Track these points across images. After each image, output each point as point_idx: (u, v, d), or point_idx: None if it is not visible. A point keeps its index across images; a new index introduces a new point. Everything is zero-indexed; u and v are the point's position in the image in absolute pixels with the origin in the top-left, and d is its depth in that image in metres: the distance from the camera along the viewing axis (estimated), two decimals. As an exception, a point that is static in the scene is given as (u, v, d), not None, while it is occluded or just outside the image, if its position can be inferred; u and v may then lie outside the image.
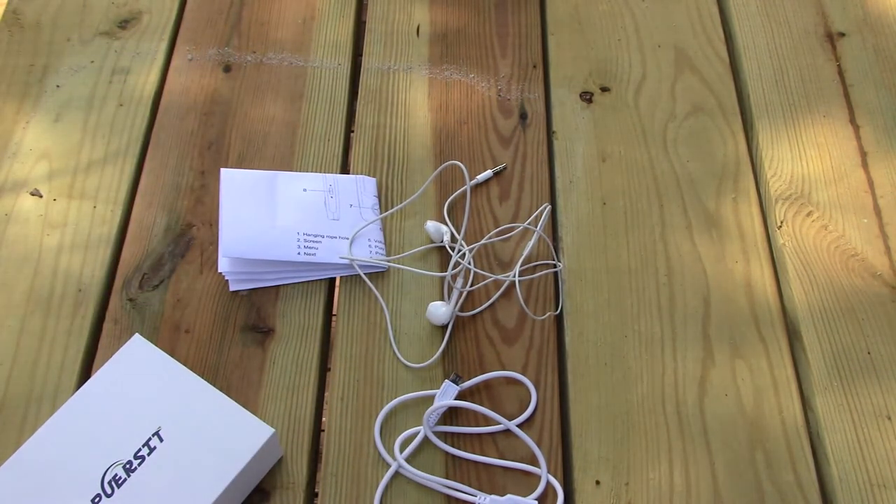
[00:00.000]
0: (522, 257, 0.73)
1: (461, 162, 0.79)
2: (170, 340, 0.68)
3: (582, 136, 0.82)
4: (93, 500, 0.55)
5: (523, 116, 0.83)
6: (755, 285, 0.73)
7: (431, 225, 0.74)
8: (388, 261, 0.73)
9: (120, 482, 0.56)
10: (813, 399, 0.67)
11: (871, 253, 0.75)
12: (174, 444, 0.58)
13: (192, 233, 0.74)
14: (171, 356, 0.63)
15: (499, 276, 0.72)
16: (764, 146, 0.82)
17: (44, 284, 0.71)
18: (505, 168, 0.79)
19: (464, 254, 0.73)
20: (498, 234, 0.75)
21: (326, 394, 0.68)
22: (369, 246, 0.73)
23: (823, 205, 0.78)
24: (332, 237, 0.73)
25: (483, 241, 0.74)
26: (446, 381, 0.66)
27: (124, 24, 0.88)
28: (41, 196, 0.75)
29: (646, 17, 0.91)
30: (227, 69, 0.85)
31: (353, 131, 0.82)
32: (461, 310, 0.71)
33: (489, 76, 0.86)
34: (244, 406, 0.63)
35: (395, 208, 0.76)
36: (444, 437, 0.65)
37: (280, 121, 0.82)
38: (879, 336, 0.70)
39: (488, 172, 0.78)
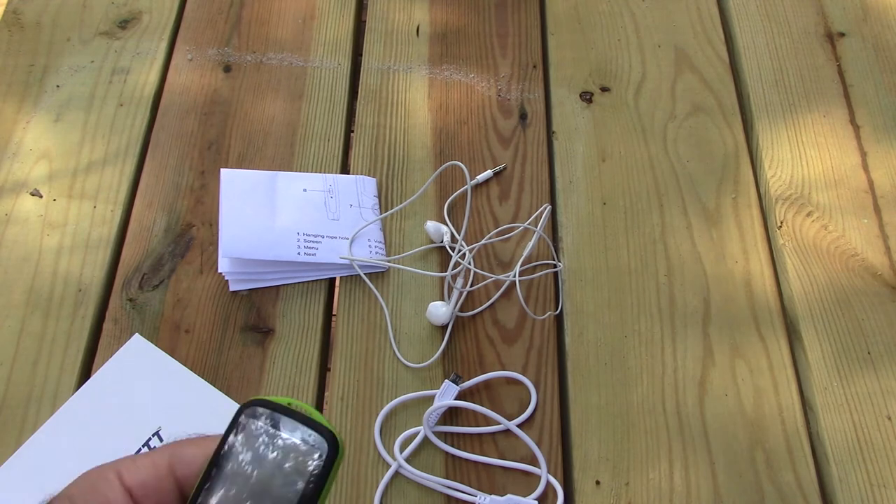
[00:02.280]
0: (522, 257, 0.73)
1: (461, 162, 0.79)
2: (170, 340, 0.68)
3: (582, 136, 0.82)
4: (93, 500, 0.55)
5: (523, 116, 0.83)
6: (755, 285, 0.73)
7: (431, 225, 0.74)
8: (388, 261, 0.73)
9: (120, 482, 0.56)
10: (813, 399, 0.68)
11: (871, 253, 0.75)
12: (174, 444, 0.58)
13: (192, 233, 0.74)
14: (171, 356, 0.63)
15: (499, 276, 0.72)
16: (764, 146, 0.82)
17: (44, 285, 0.70)
18: (505, 168, 0.79)
19: (464, 254, 0.73)
20: (498, 234, 0.75)
21: (326, 394, 0.68)
22: (369, 246, 0.73)
23: (823, 205, 0.78)
24: (332, 237, 0.73)
25: (483, 242, 0.74)
26: (446, 381, 0.66)
27: (124, 24, 0.88)
28: (41, 196, 0.75)
29: (646, 17, 0.91)
30: (227, 69, 0.85)
31: (353, 131, 0.82)
32: (461, 310, 0.71)
33: (489, 76, 0.86)
34: (244, 406, 0.63)
35: (395, 208, 0.76)
36: (444, 437, 0.65)
37: (280, 121, 0.82)
38: (879, 336, 0.70)
39: (488, 172, 0.78)
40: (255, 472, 0.30)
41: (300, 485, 0.30)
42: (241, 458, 0.31)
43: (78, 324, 0.69)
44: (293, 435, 0.30)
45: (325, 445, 0.30)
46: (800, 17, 0.92)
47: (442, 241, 0.74)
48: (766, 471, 0.64)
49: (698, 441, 0.65)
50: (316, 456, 0.30)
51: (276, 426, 0.31)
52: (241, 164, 0.78)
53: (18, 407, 0.64)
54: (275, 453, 0.30)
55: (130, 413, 0.59)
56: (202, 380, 0.61)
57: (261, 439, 0.31)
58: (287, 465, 0.30)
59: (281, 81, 0.84)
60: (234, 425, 0.31)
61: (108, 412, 0.59)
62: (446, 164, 0.78)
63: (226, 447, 0.31)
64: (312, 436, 0.30)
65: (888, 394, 0.68)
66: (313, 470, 0.30)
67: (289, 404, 0.32)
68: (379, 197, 0.77)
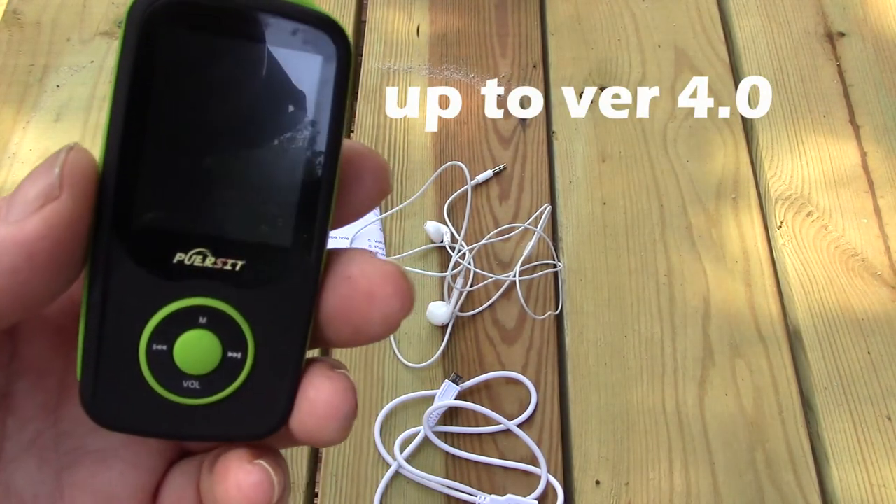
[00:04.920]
0: (522, 257, 0.73)
1: (461, 162, 0.79)
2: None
3: (582, 136, 0.82)
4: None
5: (523, 116, 0.83)
6: (755, 286, 0.73)
7: (431, 225, 0.74)
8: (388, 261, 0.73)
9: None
10: (813, 399, 0.68)
11: (871, 253, 0.75)
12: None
13: (192, 233, 0.74)
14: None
15: (499, 276, 0.72)
16: (764, 146, 0.82)
17: (44, 284, 0.70)
18: (505, 168, 0.79)
19: (464, 254, 0.73)
20: (498, 234, 0.75)
21: (326, 394, 0.68)
22: (369, 246, 0.73)
23: (823, 205, 0.78)
24: (331, 237, 0.73)
25: (483, 242, 0.74)
26: (446, 381, 0.66)
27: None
28: (41, 196, 0.75)
29: (646, 17, 0.91)
30: (227, 69, 0.85)
31: (353, 131, 0.82)
32: (461, 310, 0.71)
33: (489, 76, 0.86)
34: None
35: (395, 208, 0.76)
36: (444, 437, 0.65)
37: (280, 121, 0.81)
38: (879, 336, 0.70)
39: (488, 172, 0.78)
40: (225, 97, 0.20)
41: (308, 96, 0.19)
42: (184, 85, 0.19)
43: (78, 324, 0.69)
44: (268, 32, 0.19)
45: (325, 37, 0.19)
46: (800, 17, 0.92)
47: (442, 241, 0.74)
48: (766, 471, 0.64)
49: (698, 441, 0.65)
50: (318, 56, 0.20)
51: (229, 27, 0.19)
52: (241, 164, 0.78)
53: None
54: (243, 65, 0.19)
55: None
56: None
57: (207, 53, 0.19)
58: (270, 76, 0.19)
59: (281, 81, 0.84)
60: (141, 40, 0.19)
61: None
62: (446, 164, 0.78)
63: (139, 75, 0.19)
64: (300, 28, 0.19)
65: (888, 394, 0.68)
66: (322, 77, 0.19)
67: None
68: (379, 197, 0.77)
